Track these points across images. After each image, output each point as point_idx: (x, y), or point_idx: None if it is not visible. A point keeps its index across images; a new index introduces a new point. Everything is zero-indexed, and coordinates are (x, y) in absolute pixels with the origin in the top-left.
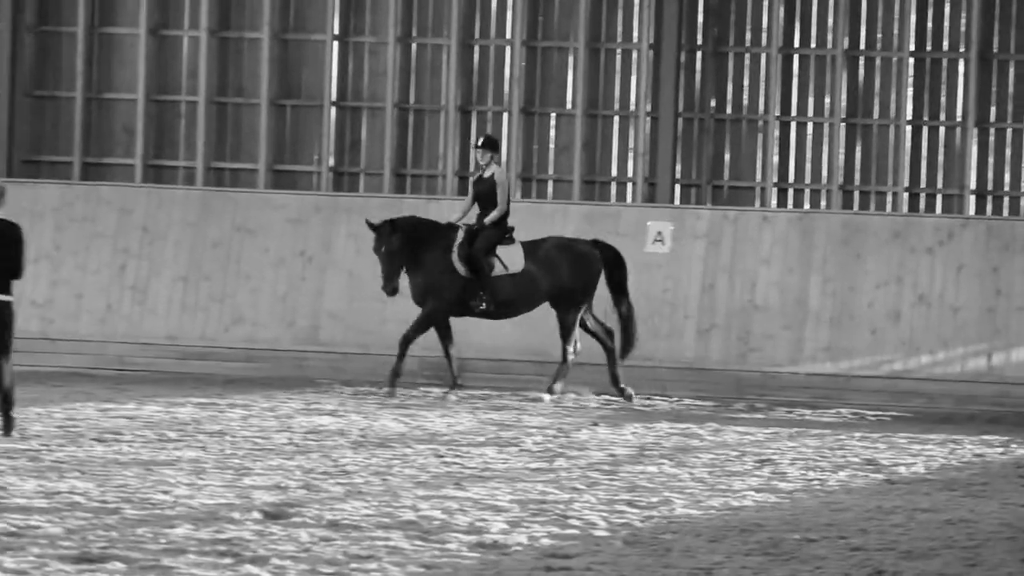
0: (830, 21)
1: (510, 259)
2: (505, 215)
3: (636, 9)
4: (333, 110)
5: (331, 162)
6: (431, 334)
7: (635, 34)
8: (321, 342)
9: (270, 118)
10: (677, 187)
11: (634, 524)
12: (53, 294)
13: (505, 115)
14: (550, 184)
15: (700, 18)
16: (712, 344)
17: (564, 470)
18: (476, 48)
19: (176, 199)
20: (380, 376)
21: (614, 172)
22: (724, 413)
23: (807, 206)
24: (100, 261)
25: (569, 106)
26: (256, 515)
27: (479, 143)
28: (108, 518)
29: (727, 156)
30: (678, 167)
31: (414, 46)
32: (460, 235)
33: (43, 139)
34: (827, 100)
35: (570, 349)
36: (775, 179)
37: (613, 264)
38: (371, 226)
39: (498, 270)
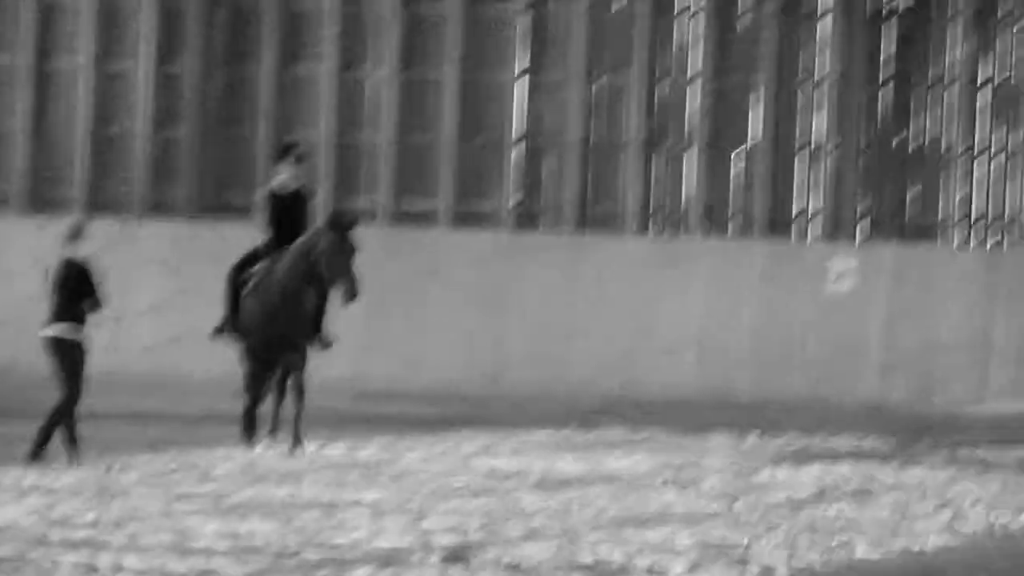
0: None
1: None
2: None
3: (816, 45)
4: (517, 149)
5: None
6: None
7: (816, 68)
8: (504, 381)
9: (456, 157)
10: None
11: (814, 568)
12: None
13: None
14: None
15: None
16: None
17: (744, 512)
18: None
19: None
20: (563, 418)
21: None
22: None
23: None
24: None
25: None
26: (436, 558)
27: (298, 154)
28: (289, 561)
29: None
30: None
31: (600, 82)
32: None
33: (226, 180)
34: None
35: None
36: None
37: None
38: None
39: None
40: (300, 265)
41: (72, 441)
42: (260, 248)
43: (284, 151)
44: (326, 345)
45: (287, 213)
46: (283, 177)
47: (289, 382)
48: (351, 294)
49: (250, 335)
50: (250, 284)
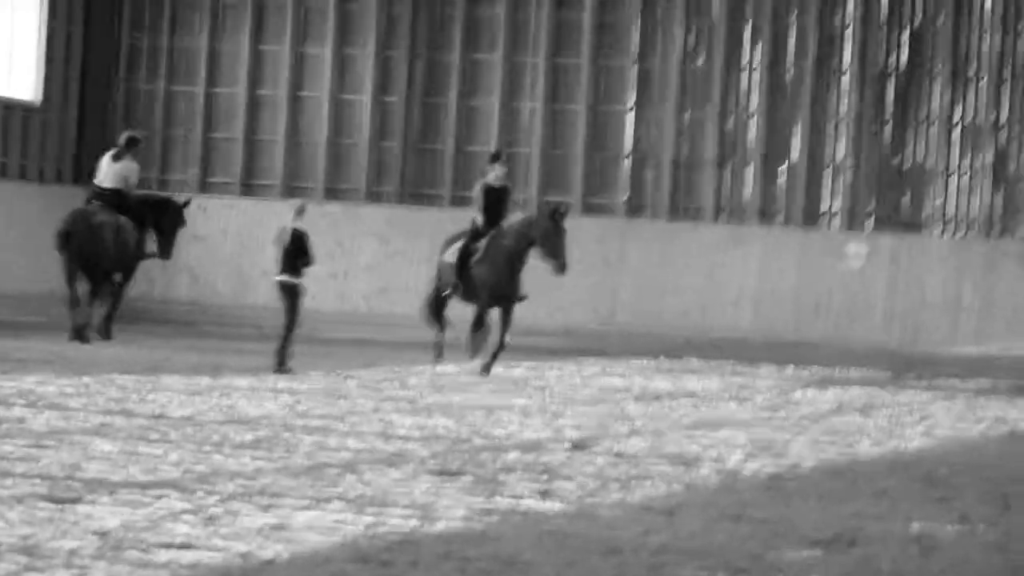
0: None
1: None
2: None
3: (840, 92)
4: (628, 161)
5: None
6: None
7: (839, 109)
8: (616, 323)
9: (584, 165)
10: None
11: (833, 459)
12: None
13: None
14: None
15: None
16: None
17: (783, 419)
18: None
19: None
20: (657, 350)
21: None
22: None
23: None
24: None
25: None
26: (565, 446)
27: (503, 157)
28: (462, 445)
29: None
30: None
31: (687, 115)
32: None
33: (423, 178)
34: None
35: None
36: None
37: None
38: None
39: None
40: (522, 243)
41: (282, 355)
42: (478, 228)
43: (495, 156)
44: (522, 299)
45: (497, 201)
46: (495, 174)
47: (499, 322)
48: (562, 267)
49: (480, 293)
50: (478, 255)
